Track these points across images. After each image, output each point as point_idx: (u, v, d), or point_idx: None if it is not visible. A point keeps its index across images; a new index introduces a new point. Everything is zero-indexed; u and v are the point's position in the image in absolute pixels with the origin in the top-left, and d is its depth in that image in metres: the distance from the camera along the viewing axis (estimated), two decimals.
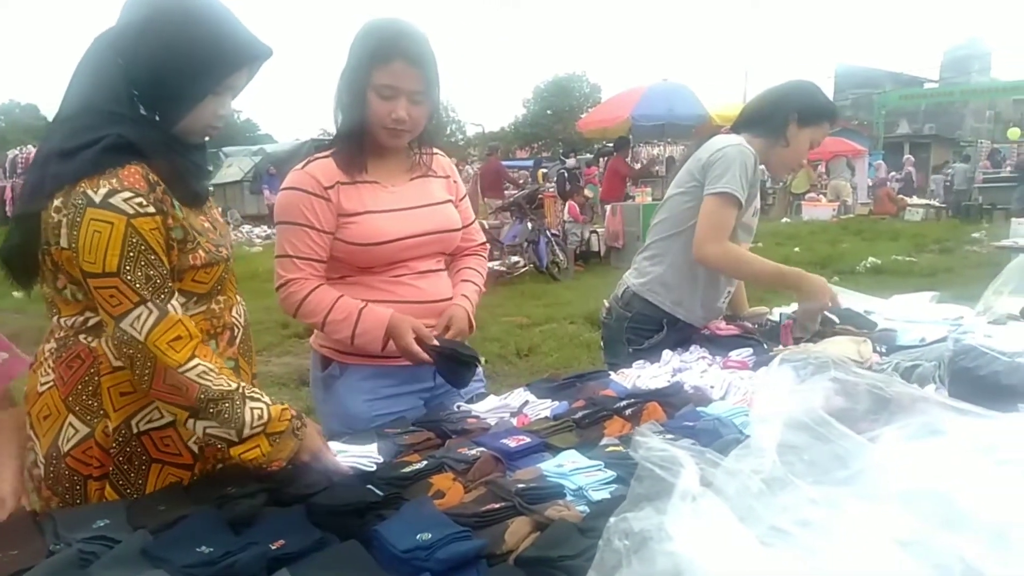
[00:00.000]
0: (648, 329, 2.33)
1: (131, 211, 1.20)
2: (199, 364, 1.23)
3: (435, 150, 1.90)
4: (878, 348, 1.95)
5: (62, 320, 1.31)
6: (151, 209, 1.22)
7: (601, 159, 16.75)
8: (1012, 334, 1.49)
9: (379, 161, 1.77)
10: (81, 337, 1.29)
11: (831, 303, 2.12)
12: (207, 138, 1.39)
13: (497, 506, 1.13)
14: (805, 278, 2.18)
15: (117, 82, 1.25)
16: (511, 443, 1.39)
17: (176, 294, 1.27)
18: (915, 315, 2.34)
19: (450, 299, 1.82)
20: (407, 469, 1.29)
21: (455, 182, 1.95)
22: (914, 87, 37.65)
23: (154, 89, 1.26)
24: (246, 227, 17.30)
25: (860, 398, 1.20)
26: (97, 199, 1.18)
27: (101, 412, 1.28)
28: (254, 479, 1.25)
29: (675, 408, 1.58)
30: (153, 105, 1.28)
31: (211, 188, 1.83)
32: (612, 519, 0.80)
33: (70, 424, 1.29)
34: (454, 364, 1.66)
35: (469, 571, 0.98)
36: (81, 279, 1.22)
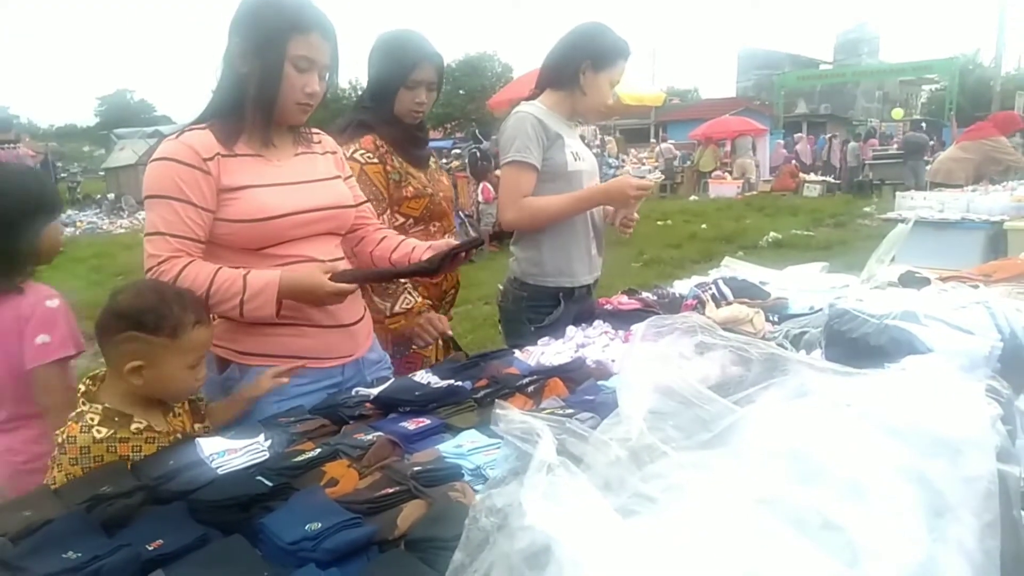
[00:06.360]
0: (547, 305, 2.35)
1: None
2: None
3: (315, 130, 1.82)
4: (770, 317, 2.03)
5: None
6: (375, 160, 2.17)
7: None
8: (883, 298, 1.57)
9: (263, 136, 1.66)
10: None
11: (635, 193, 2.31)
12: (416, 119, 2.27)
13: (391, 491, 1.09)
14: (605, 189, 2.36)
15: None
16: (410, 426, 1.37)
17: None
18: (806, 285, 2.45)
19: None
20: (299, 458, 1.24)
21: (342, 159, 1.88)
22: (811, 68, 39.48)
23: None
24: (142, 214, 16.31)
25: (752, 365, 1.23)
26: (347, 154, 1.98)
27: None
28: (131, 477, 1.18)
29: (577, 383, 1.59)
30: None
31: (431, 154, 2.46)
32: (478, 496, 0.78)
33: None
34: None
35: (359, 559, 0.96)
36: None
